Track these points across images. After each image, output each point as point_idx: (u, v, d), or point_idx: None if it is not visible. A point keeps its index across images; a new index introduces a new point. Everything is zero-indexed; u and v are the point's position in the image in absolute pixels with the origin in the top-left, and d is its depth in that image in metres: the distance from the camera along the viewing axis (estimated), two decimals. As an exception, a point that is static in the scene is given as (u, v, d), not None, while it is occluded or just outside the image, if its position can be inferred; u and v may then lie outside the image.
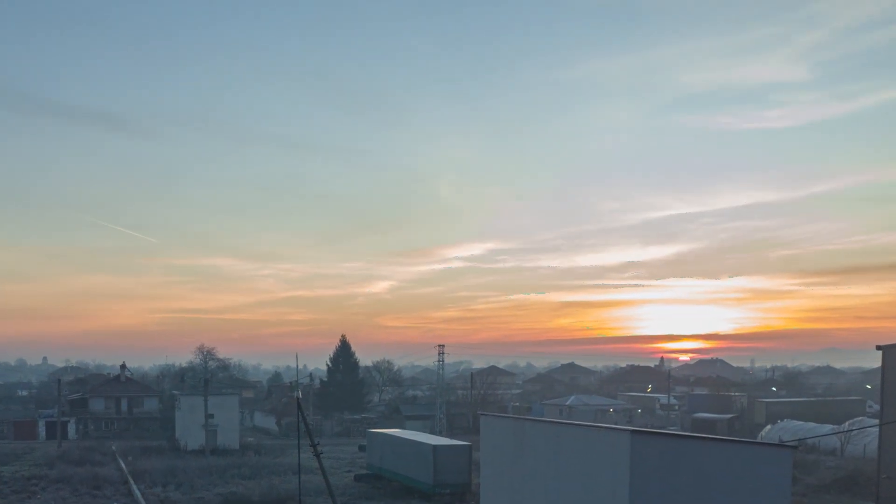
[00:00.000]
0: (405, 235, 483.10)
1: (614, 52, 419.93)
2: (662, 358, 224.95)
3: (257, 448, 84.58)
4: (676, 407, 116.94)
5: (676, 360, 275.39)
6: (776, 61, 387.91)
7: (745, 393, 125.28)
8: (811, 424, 79.75)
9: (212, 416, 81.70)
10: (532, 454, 34.50)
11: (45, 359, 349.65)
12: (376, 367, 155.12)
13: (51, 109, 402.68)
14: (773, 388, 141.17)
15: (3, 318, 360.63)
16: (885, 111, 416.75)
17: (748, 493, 27.92)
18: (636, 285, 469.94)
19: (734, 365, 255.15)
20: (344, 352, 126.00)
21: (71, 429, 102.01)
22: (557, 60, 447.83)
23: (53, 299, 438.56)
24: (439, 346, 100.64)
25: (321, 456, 39.38)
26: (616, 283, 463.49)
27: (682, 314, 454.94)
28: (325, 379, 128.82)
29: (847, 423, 73.69)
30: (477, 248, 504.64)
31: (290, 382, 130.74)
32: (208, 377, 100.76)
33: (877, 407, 66.27)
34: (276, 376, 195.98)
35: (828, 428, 74.65)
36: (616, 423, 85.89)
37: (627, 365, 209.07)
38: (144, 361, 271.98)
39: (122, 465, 68.01)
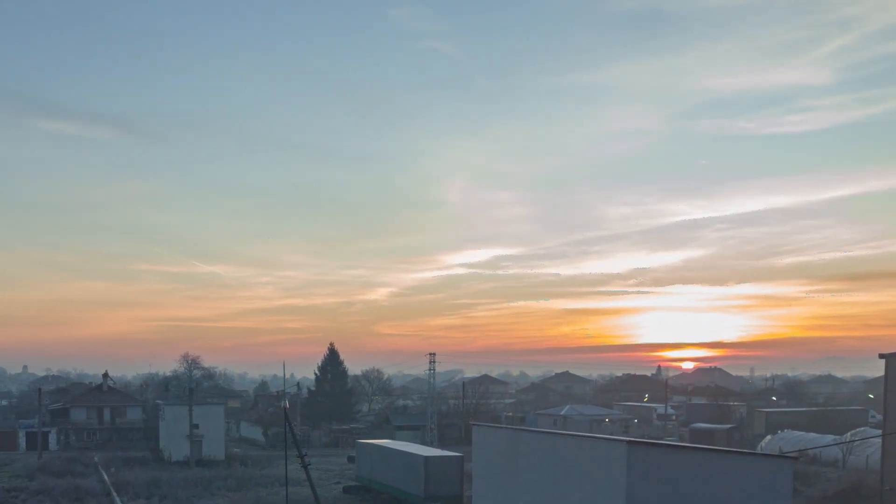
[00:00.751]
0: (408, 241, 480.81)
1: (639, 57, 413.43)
2: (660, 366, 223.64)
3: (243, 459, 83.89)
4: (674, 417, 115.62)
5: (679, 368, 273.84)
6: (801, 65, 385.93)
7: (745, 402, 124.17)
8: (812, 435, 78.74)
9: (196, 426, 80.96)
10: (527, 465, 34.15)
11: (25, 367, 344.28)
12: (365, 375, 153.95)
13: (51, 110, 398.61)
14: (773, 398, 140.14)
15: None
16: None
17: (748, 504, 27.62)
18: (641, 292, 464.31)
19: (734, 374, 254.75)
20: (332, 360, 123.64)
21: (52, 439, 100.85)
22: (579, 64, 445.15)
23: (36, 306, 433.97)
24: (430, 354, 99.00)
25: (309, 467, 40.05)
26: (621, 290, 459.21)
27: (687, 322, 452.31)
28: (313, 388, 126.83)
29: (849, 434, 72.91)
30: (481, 255, 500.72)
31: (277, 392, 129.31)
32: (193, 386, 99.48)
33: (879, 417, 65.48)
34: (263, 385, 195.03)
35: (829, 438, 73.70)
36: (612, 434, 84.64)
37: (623, 374, 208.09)
38: (129, 370, 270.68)
39: (105, 477, 67.47)
